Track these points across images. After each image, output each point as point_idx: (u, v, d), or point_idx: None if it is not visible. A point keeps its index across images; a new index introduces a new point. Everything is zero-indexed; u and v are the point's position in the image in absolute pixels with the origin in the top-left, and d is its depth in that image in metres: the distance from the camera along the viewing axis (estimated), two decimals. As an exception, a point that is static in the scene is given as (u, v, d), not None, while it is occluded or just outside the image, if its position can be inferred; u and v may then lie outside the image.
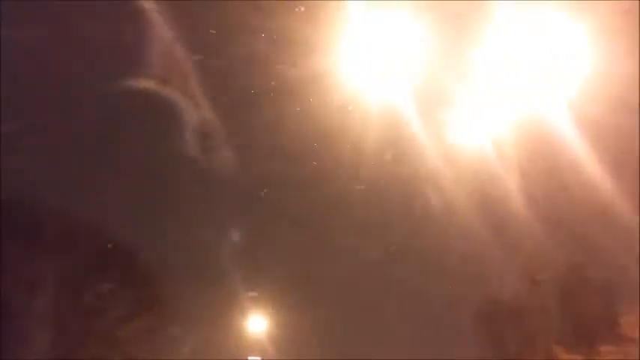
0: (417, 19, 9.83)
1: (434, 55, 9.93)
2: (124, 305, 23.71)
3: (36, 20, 12.99)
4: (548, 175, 10.83)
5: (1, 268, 20.57)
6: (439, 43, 9.92)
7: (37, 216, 20.48)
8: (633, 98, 8.88)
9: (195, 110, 15.66)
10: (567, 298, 23.31)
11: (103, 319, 23.08)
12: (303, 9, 9.97)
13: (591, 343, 19.70)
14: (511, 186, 9.78)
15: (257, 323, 23.62)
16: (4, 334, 20.52)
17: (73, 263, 22.21)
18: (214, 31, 11.57)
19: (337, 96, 10.63)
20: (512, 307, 25.04)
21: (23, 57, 14.36)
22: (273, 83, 11.50)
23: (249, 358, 24.14)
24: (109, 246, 23.06)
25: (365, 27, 9.74)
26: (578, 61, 9.43)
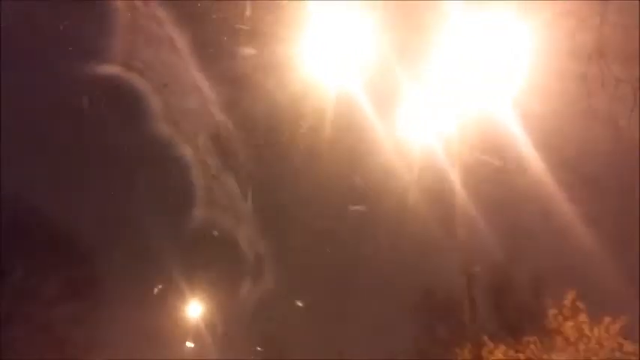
0: (371, 16, 9.93)
1: (386, 52, 10.07)
2: (56, 287, 22.96)
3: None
4: (493, 172, 11.21)
5: None
6: (392, 41, 10.06)
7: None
8: (576, 98, 9.32)
9: (156, 96, 15.35)
10: (498, 290, 24.35)
11: (32, 300, 22.30)
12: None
13: (517, 334, 20.61)
14: (456, 182, 10.03)
15: (193, 309, 23.43)
16: None
17: (1, 241, 21.26)
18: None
19: (292, 86, 10.62)
20: (446, 298, 25.97)
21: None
22: (231, 70, 11.33)
23: (186, 343, 23.94)
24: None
25: (322, 21, 9.73)
26: (523, 60, 9.78)
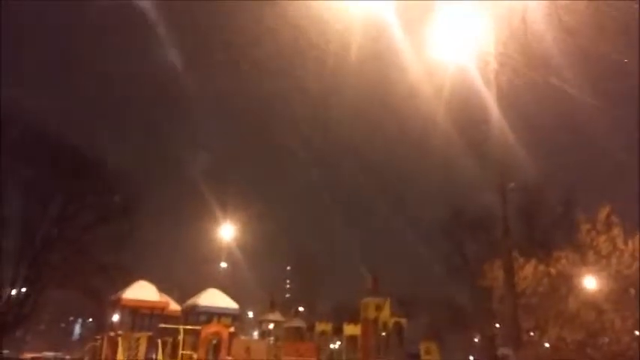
0: None
1: None
2: (93, 211, 23.54)
3: None
4: (525, 89, 10.80)
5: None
6: None
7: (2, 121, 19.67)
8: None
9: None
10: (530, 206, 24.28)
11: (71, 225, 22.98)
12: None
13: (548, 248, 20.67)
14: (488, 99, 9.72)
15: (226, 231, 23.98)
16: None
17: (42, 171, 21.73)
18: None
19: (320, 8, 10.13)
20: (475, 216, 26.07)
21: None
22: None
23: (221, 264, 24.72)
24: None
25: None
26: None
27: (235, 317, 18.35)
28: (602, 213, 18.76)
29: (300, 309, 31.90)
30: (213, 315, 17.30)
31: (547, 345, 18.73)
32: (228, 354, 16.11)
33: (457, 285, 26.96)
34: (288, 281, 36.12)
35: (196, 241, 25.05)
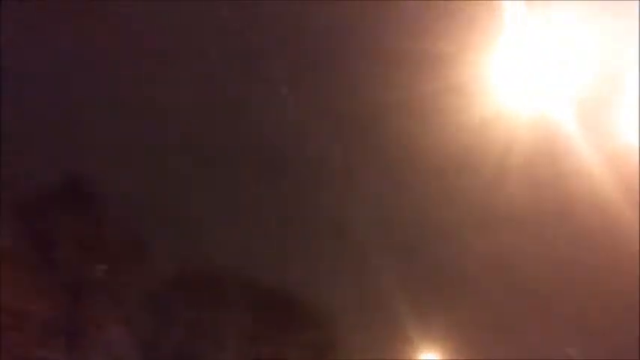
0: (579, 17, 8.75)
1: (599, 58, 9.10)
2: (300, 352, 24.24)
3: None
4: None
5: (188, 323, 21.87)
6: (605, 44, 9.01)
7: (218, 274, 21.75)
8: None
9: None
10: None
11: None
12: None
13: None
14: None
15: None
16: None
17: (254, 317, 23.06)
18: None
19: (482, 109, 10.19)
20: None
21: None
22: (411, 96, 10.78)
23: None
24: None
25: (520, 29, 8.94)
26: None
27: None
28: None
29: None
30: None
31: None
32: None
33: None
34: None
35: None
